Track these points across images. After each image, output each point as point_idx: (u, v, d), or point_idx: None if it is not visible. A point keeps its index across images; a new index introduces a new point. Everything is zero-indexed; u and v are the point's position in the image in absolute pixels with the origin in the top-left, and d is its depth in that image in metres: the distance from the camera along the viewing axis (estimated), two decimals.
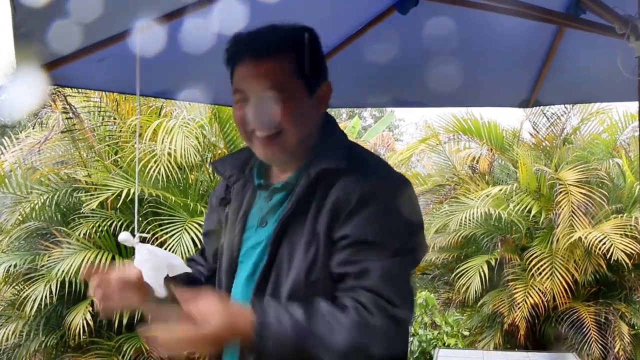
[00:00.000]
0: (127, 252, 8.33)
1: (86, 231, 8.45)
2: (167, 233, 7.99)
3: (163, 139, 8.57)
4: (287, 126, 1.95)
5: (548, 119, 11.23)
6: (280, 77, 1.95)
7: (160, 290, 2.08)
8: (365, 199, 1.88)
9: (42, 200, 8.86)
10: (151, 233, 7.97)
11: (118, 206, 8.44)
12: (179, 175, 8.79)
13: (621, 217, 9.88)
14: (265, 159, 2.06)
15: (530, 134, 11.67)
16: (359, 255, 1.86)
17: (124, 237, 2.10)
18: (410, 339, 11.68)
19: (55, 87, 7.58)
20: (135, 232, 2.10)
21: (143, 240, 2.15)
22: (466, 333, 11.21)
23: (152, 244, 4.53)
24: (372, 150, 15.76)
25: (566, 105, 10.48)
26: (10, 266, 8.63)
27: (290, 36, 2.02)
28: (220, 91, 3.89)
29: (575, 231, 9.37)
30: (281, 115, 1.93)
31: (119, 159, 9.05)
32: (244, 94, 1.98)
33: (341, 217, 1.88)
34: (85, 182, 8.97)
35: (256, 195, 2.12)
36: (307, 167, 1.97)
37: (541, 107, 10.26)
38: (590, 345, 9.53)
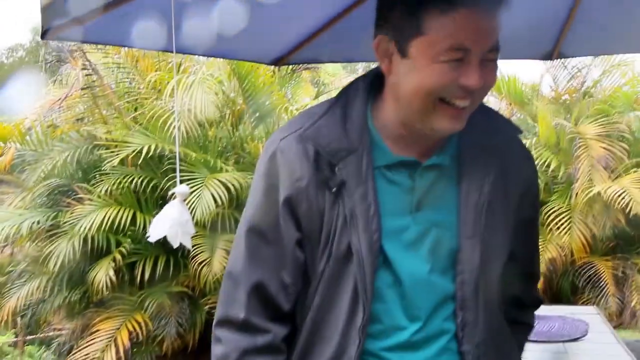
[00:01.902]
0: (147, 209, 8.39)
1: (107, 188, 8.52)
2: (189, 189, 8.01)
3: (182, 95, 8.56)
4: (480, 98, 1.65)
5: (569, 71, 11.07)
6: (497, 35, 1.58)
7: (174, 240, 2.01)
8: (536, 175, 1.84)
9: (63, 158, 8.91)
10: (172, 190, 8.01)
11: (139, 163, 8.45)
12: (199, 132, 8.78)
13: None
14: (445, 133, 1.66)
15: (551, 88, 11.64)
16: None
17: (182, 189, 2.01)
18: None
19: (77, 43, 7.59)
20: (178, 183, 2.05)
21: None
22: None
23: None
24: None
25: (588, 57, 10.33)
26: (33, 223, 8.72)
27: None
28: (241, 44, 3.88)
29: (594, 185, 9.42)
30: (489, 84, 1.61)
31: (138, 116, 9.05)
32: (466, 52, 1.53)
33: (528, 196, 1.79)
34: (106, 139, 8.95)
35: (375, 174, 1.68)
36: (462, 139, 1.69)
37: (562, 60, 10.14)
38: (608, 299, 9.65)
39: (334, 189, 1.67)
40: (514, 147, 1.75)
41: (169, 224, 2.00)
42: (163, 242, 2.03)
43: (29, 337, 10.76)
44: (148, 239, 2.11)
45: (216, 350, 1.82)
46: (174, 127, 8.43)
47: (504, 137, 1.72)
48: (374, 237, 1.64)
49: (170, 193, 2.08)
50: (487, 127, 1.68)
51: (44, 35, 2.56)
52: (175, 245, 1.98)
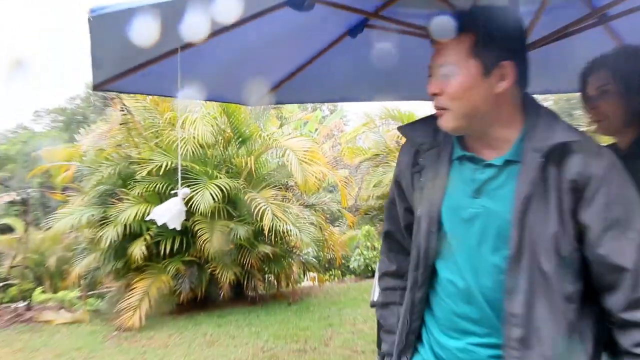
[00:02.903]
0: None
1: (139, 191, 8.52)
2: (194, 191, 7.96)
3: (189, 127, 8.68)
4: (453, 103, 1.46)
5: None
6: (455, 56, 1.44)
7: (171, 223, 1.97)
8: (607, 176, 1.40)
9: (108, 171, 8.94)
10: (174, 190, 7.96)
11: (160, 174, 8.40)
12: (201, 152, 8.78)
13: None
14: (445, 131, 1.54)
15: None
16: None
17: (187, 191, 1.99)
18: (359, 257, 11.78)
19: (116, 93, 7.56)
20: (179, 187, 2.01)
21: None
22: None
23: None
24: (329, 132, 15.77)
25: None
26: (89, 216, 8.81)
27: (468, 18, 1.46)
28: (229, 92, 3.83)
29: None
30: (449, 91, 1.45)
31: (159, 142, 9.03)
32: (430, 70, 1.49)
33: (586, 193, 1.40)
34: (137, 158, 8.95)
35: (451, 165, 1.57)
36: (527, 143, 1.45)
37: None
38: None
39: (415, 172, 1.64)
40: (571, 149, 1.40)
41: (167, 212, 1.98)
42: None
43: (89, 292, 10.68)
44: (147, 219, 2.11)
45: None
46: (180, 148, 8.44)
47: (559, 141, 1.41)
48: (433, 209, 1.57)
49: (172, 192, 2.02)
50: (544, 133, 1.43)
51: (94, 88, 2.57)
52: (176, 227, 1.98)
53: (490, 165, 1.50)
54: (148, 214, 8.04)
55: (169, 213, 1.99)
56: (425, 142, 1.61)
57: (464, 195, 1.53)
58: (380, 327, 1.88)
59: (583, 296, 1.45)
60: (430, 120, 1.60)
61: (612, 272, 1.39)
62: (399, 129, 1.74)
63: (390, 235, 1.84)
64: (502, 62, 1.42)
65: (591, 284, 1.45)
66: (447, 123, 1.49)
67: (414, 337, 1.66)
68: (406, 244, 1.75)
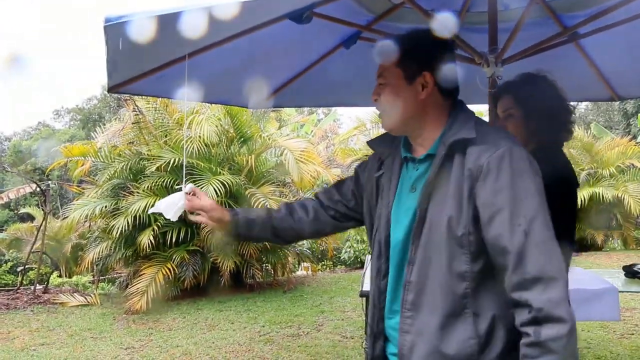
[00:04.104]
0: None
1: (148, 185, 8.49)
2: (199, 186, 7.91)
3: (195, 127, 8.61)
4: (386, 108, 1.61)
5: None
6: (387, 67, 1.60)
7: (171, 216, 1.97)
8: (495, 164, 1.43)
9: (121, 166, 8.91)
10: (177, 185, 7.94)
11: (168, 170, 8.39)
12: (206, 150, 8.76)
13: None
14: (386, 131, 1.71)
15: None
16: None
17: (190, 186, 1.98)
18: (349, 249, 11.78)
19: (129, 95, 7.57)
20: (183, 184, 2.01)
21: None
22: None
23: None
24: (323, 134, 15.79)
25: None
26: (102, 207, 8.78)
27: (399, 37, 1.62)
28: (232, 95, 3.84)
29: None
30: (382, 98, 1.61)
31: (167, 140, 9.02)
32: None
33: (479, 181, 1.43)
34: (147, 155, 8.94)
35: (402, 167, 1.67)
36: (442, 140, 1.54)
37: None
38: None
39: (377, 177, 1.73)
40: (473, 143, 1.47)
41: (171, 206, 1.97)
42: (183, 218, 1.99)
43: (100, 277, 10.66)
44: (150, 211, 2.09)
45: None
46: (186, 146, 8.40)
47: (461, 137, 1.49)
48: (389, 207, 1.65)
49: (177, 187, 2.02)
50: (455, 131, 1.52)
51: (109, 90, 2.58)
52: (172, 219, 1.98)
53: (420, 162, 1.61)
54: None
55: (173, 207, 1.98)
56: (385, 151, 1.74)
57: (406, 191, 1.63)
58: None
59: (487, 277, 1.46)
60: (389, 134, 1.74)
61: (501, 255, 1.40)
62: (367, 142, 1.87)
63: (317, 198, 1.98)
64: (423, 72, 1.57)
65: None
66: (384, 124, 1.65)
67: (383, 324, 1.66)
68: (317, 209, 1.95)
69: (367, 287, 2.62)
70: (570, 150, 11.93)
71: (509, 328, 1.43)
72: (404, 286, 1.53)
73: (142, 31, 1.80)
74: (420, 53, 1.59)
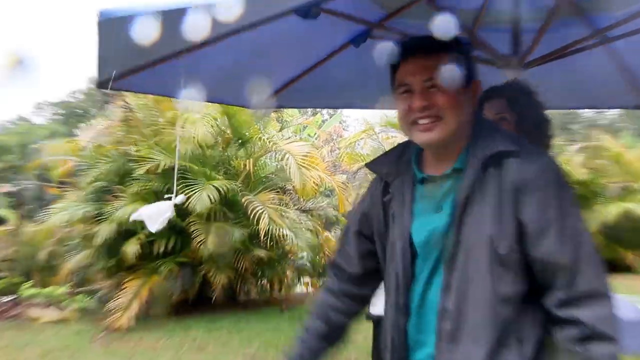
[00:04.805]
0: None
1: (136, 189, 8.52)
2: (192, 191, 7.97)
3: (189, 127, 8.69)
4: (447, 113, 1.55)
5: None
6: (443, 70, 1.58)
7: (153, 227, 1.97)
8: (542, 180, 1.47)
9: (106, 167, 8.99)
10: (182, 192, 7.97)
11: (157, 172, 8.43)
12: (200, 152, 8.82)
13: None
14: (427, 144, 1.62)
15: None
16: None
17: (181, 198, 1.99)
18: None
19: (120, 91, 7.62)
20: (174, 192, 2.03)
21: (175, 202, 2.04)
22: None
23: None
24: (328, 137, 15.81)
25: None
26: (84, 211, 8.80)
27: (448, 41, 1.61)
28: (231, 94, 3.87)
29: None
30: (442, 102, 1.54)
31: (158, 141, 9.05)
32: (408, 86, 1.58)
33: (525, 196, 1.46)
34: (136, 155, 8.91)
35: (415, 188, 1.65)
36: (471, 152, 1.55)
37: None
38: None
39: (386, 201, 1.71)
40: (510, 156, 1.49)
41: (157, 217, 1.98)
42: (172, 226, 2.01)
43: (78, 290, 10.66)
44: (132, 218, 2.11)
45: None
46: (179, 147, 8.45)
47: (498, 149, 1.51)
48: (405, 232, 1.63)
49: (166, 197, 2.04)
50: (485, 143, 1.54)
51: (98, 86, 2.60)
52: (153, 230, 1.99)
53: (443, 178, 1.60)
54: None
55: (158, 217, 1.99)
56: (390, 172, 1.72)
57: (430, 213, 1.60)
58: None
59: (528, 299, 1.48)
60: (392, 152, 1.78)
61: (549, 271, 1.45)
62: (366, 165, 1.87)
63: (335, 259, 1.90)
64: (473, 79, 1.62)
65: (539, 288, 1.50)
66: (439, 134, 1.56)
67: None
68: (350, 269, 1.84)
69: (373, 309, 2.64)
70: (595, 161, 11.92)
71: (548, 351, 1.49)
72: (439, 315, 1.52)
73: (136, 26, 1.85)
74: (469, 58, 1.64)
